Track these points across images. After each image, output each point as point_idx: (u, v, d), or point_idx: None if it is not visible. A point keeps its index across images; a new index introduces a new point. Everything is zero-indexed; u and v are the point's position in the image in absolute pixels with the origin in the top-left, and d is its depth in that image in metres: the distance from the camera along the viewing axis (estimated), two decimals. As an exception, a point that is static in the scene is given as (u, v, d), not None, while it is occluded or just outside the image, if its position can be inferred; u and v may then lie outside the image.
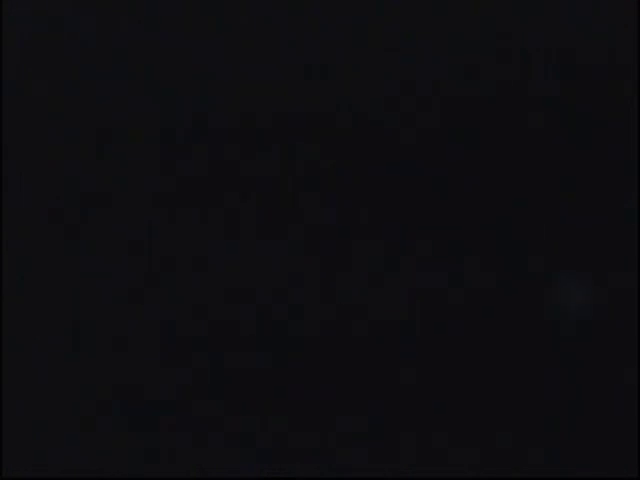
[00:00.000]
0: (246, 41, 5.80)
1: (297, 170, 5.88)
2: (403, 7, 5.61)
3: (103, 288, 5.21)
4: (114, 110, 6.44)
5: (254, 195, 5.81)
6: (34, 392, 4.22)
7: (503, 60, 5.86)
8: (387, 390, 4.30)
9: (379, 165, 6.26)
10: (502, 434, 4.09)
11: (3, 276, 5.24)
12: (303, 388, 4.35)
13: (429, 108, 6.41)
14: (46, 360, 4.49)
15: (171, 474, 3.84)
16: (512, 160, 6.39)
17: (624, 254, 6.07)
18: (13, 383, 4.26)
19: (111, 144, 5.83)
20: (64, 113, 6.66)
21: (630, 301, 5.43)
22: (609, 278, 5.54)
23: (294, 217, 5.55)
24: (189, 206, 5.41)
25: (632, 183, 6.65)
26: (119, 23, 5.91)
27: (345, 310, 4.89)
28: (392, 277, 5.32)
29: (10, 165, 6.22)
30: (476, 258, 5.47)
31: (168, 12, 5.80)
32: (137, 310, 4.85)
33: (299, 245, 5.42)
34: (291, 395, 4.34)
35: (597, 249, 6.18)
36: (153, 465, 3.84)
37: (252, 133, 5.66)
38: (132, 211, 5.57)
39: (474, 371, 4.53)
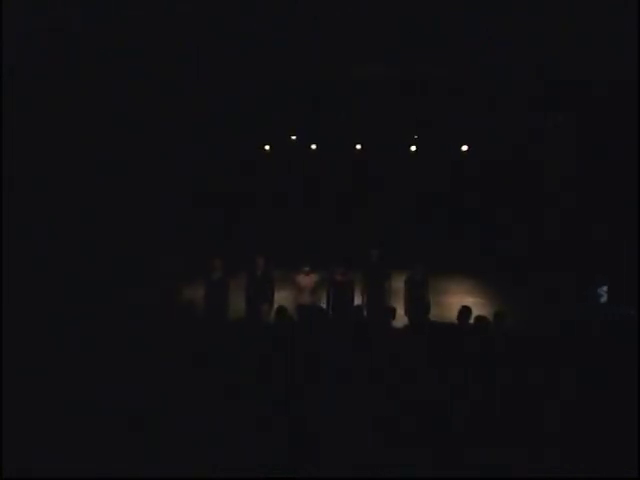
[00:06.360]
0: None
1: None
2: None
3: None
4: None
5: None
6: (35, 393, 4.22)
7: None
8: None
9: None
10: (502, 435, 4.10)
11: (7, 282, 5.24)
12: None
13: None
14: (47, 362, 4.49)
15: (170, 475, 3.83)
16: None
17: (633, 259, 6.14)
18: (13, 384, 4.26)
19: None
20: (63, 114, 6.62)
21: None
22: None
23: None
24: None
25: (632, 184, 6.64)
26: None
27: None
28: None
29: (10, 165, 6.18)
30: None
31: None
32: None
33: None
34: None
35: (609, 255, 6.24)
36: (153, 466, 3.84)
37: None
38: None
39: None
